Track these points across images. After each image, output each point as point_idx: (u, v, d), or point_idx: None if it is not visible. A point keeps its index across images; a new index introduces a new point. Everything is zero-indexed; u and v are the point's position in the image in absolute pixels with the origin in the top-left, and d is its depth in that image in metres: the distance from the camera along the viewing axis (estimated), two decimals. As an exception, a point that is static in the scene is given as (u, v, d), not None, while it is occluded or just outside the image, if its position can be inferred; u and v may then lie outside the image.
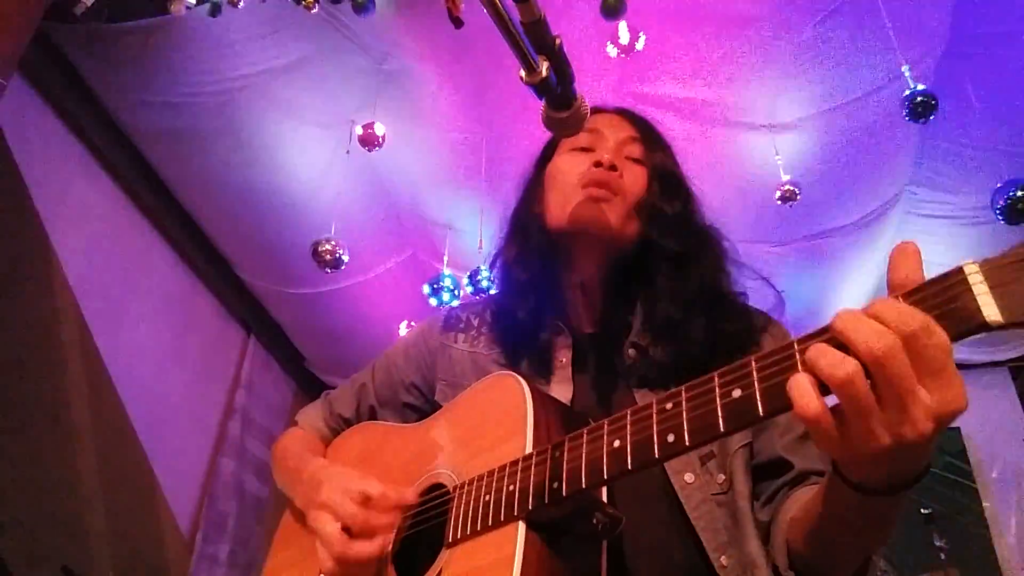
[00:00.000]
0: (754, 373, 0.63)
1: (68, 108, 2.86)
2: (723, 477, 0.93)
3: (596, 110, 1.19)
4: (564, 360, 1.05)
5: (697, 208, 1.13)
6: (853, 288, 3.71)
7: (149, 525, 3.24)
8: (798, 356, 0.60)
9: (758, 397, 0.62)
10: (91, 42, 2.67)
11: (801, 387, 0.58)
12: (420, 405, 1.19)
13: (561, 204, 1.08)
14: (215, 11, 2.48)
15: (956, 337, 0.55)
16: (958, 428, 4.07)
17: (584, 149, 1.12)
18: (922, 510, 3.88)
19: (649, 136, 1.16)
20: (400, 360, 1.22)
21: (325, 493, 0.94)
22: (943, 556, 3.78)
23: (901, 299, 0.57)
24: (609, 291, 1.10)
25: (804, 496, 0.86)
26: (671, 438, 0.67)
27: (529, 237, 1.13)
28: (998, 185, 2.61)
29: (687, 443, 0.66)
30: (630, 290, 1.07)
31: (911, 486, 0.65)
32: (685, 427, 0.66)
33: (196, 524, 3.55)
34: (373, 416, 1.23)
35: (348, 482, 0.95)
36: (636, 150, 1.12)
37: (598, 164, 1.06)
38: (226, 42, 2.70)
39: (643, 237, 1.06)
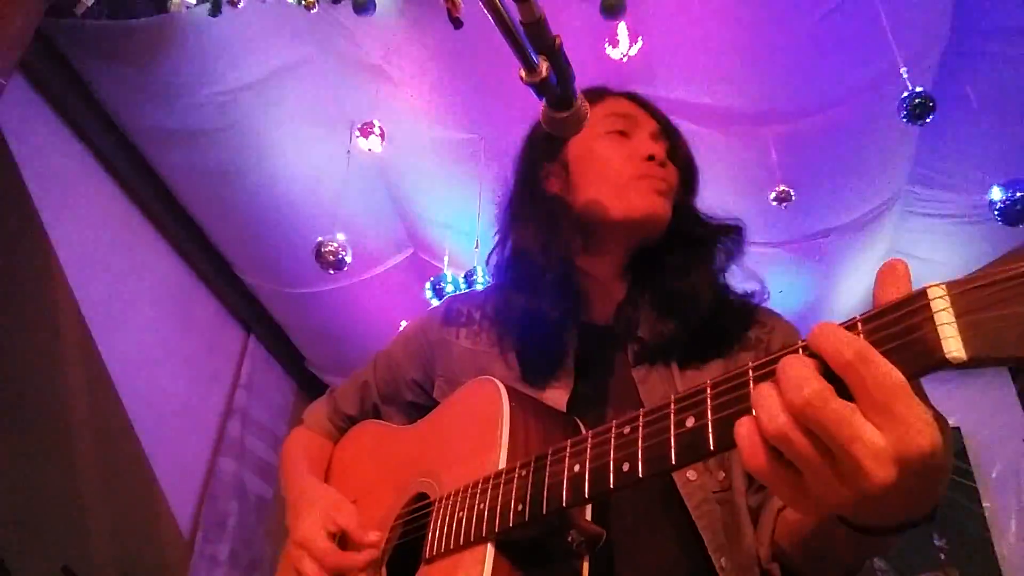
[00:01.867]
0: (708, 401, 0.58)
1: (68, 108, 2.86)
2: (723, 474, 0.91)
3: (607, 92, 1.18)
4: (566, 356, 1.02)
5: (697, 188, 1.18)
6: (852, 288, 3.71)
7: (149, 525, 3.24)
8: (751, 384, 0.55)
9: (710, 430, 0.57)
10: (91, 42, 2.67)
11: (746, 437, 0.52)
12: (423, 402, 1.17)
13: (614, 195, 1.05)
14: (215, 11, 2.48)
15: (917, 374, 0.48)
16: (958, 428, 4.06)
17: (621, 133, 1.11)
18: (922, 510, 3.88)
19: (670, 128, 1.18)
20: (400, 356, 1.20)
21: (302, 529, 0.94)
22: (943, 556, 3.78)
23: (860, 324, 0.51)
24: (625, 282, 1.09)
25: None
26: (626, 467, 0.64)
27: (554, 221, 1.07)
28: (997, 185, 2.61)
29: (640, 474, 0.62)
30: (642, 281, 1.08)
31: (915, 527, 0.59)
32: (639, 456, 0.63)
33: (196, 524, 3.55)
34: (377, 412, 1.21)
35: (324, 515, 0.94)
36: (665, 144, 1.13)
37: (652, 158, 1.06)
38: (226, 42, 2.70)
39: (670, 230, 1.08)
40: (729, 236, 1.10)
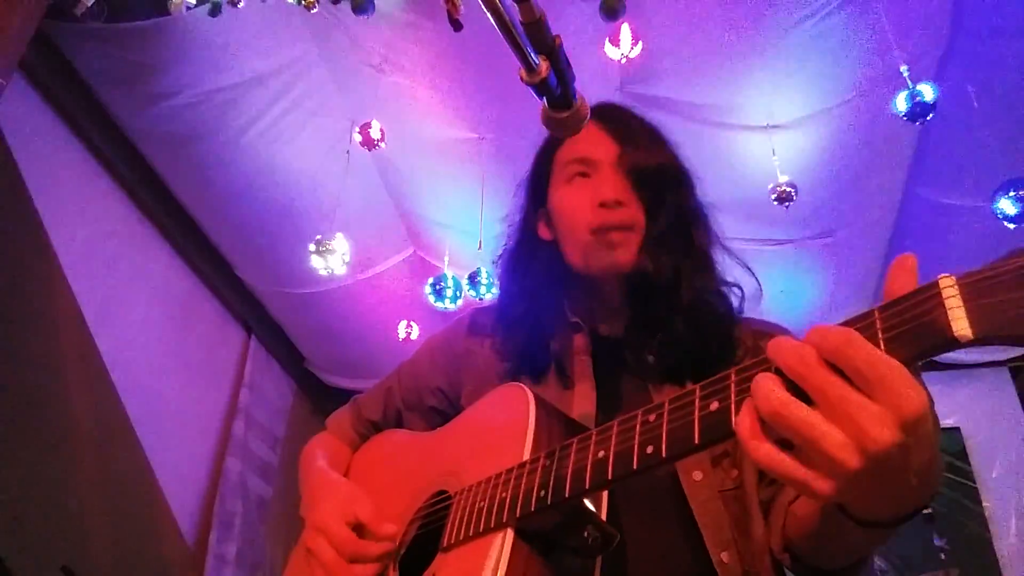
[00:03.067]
0: (732, 386, 0.62)
1: (68, 108, 2.86)
2: (736, 472, 0.93)
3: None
4: (586, 368, 1.05)
5: (684, 194, 1.12)
6: (852, 288, 3.71)
7: (149, 525, 3.24)
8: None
9: (733, 411, 0.61)
10: (91, 42, 2.67)
11: (746, 429, 0.57)
12: (445, 409, 1.20)
13: (577, 249, 1.08)
14: (215, 11, 2.48)
15: (928, 353, 0.53)
16: (958, 428, 4.07)
17: (581, 175, 1.11)
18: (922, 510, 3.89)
19: (630, 141, 1.12)
20: (426, 364, 1.23)
21: (320, 516, 0.96)
22: (943, 556, 3.79)
23: (877, 312, 0.56)
24: (631, 306, 1.10)
25: None
26: (650, 449, 0.67)
27: (545, 266, 1.13)
28: (999, 186, 2.61)
29: (663, 455, 0.65)
30: (653, 302, 1.07)
31: (913, 517, 0.63)
32: (663, 438, 0.66)
33: (205, 524, 3.56)
34: (400, 419, 1.24)
35: (343, 504, 0.96)
36: (625, 165, 1.09)
37: (603, 204, 1.04)
38: (226, 42, 2.70)
39: (649, 256, 1.06)
40: (709, 237, 1.11)
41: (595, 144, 1.12)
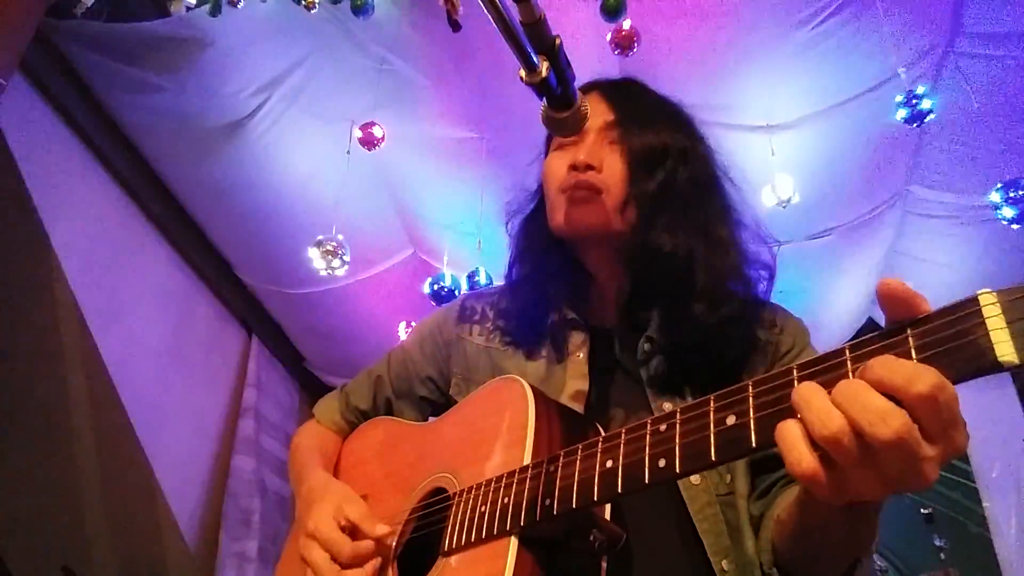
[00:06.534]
0: (750, 400, 0.59)
1: (68, 108, 2.86)
2: (729, 477, 0.92)
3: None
4: (580, 355, 1.03)
5: (690, 169, 1.08)
6: (852, 288, 3.71)
7: (149, 525, 3.24)
8: (796, 384, 0.56)
9: (752, 427, 0.58)
10: (91, 42, 2.67)
11: (789, 440, 0.53)
12: (435, 399, 1.18)
13: (552, 211, 1.08)
14: (215, 11, 2.48)
15: (967, 378, 0.49)
16: (958, 428, 4.07)
17: (565, 145, 1.10)
18: (922, 510, 3.90)
19: (628, 112, 1.10)
20: (415, 352, 1.21)
21: (312, 520, 0.94)
22: (943, 556, 3.80)
23: (909, 330, 0.52)
24: (628, 286, 1.07)
25: (790, 496, 0.85)
26: (662, 463, 0.65)
27: (536, 238, 1.14)
28: (998, 185, 2.61)
29: (677, 471, 0.63)
30: (655, 285, 1.03)
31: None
32: (677, 453, 0.63)
33: (211, 523, 3.56)
34: (389, 408, 1.22)
35: (335, 507, 0.94)
36: (615, 134, 1.08)
37: (573, 167, 1.04)
38: (226, 42, 2.70)
39: (639, 228, 1.02)
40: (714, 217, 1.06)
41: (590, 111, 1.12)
